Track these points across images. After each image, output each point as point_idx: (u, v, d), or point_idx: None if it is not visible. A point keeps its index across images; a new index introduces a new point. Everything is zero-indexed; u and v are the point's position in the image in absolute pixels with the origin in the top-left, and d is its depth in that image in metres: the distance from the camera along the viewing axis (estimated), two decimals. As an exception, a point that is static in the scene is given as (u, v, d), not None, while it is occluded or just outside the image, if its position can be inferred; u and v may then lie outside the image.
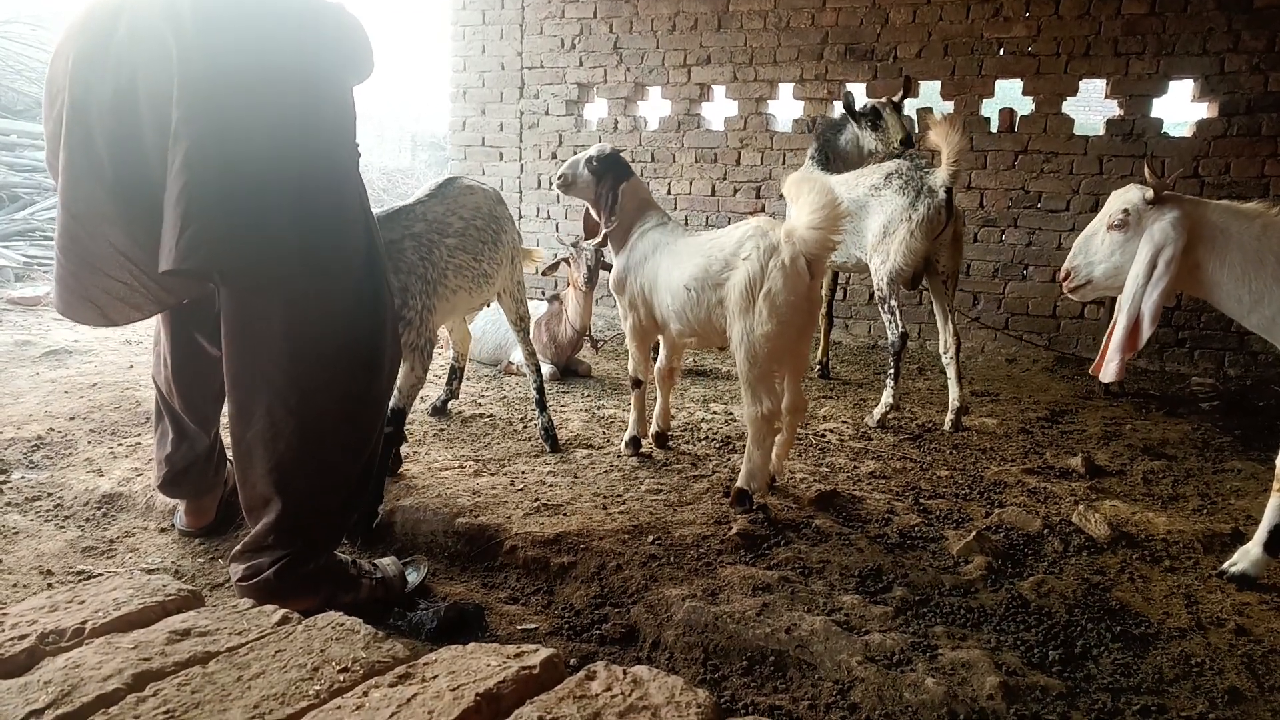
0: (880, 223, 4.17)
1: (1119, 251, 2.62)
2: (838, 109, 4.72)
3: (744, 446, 3.65)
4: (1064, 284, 2.81)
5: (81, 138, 2.03)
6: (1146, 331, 2.50)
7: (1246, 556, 2.56)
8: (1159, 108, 5.84)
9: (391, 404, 2.91)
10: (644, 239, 3.42)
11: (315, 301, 2.06)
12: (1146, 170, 2.58)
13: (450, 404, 4.23)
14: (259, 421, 2.08)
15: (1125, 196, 2.61)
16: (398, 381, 2.93)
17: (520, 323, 3.79)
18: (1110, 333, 2.64)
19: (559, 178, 3.61)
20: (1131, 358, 2.59)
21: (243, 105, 1.93)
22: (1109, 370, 2.58)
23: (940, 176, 4.04)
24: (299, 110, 2.00)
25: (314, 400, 2.08)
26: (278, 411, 2.05)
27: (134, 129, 1.99)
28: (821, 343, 5.32)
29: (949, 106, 6.30)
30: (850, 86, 6.54)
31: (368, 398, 2.22)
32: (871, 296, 6.60)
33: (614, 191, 3.46)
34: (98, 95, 1.99)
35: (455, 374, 4.21)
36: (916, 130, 5.32)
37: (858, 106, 4.86)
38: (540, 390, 3.76)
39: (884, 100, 4.81)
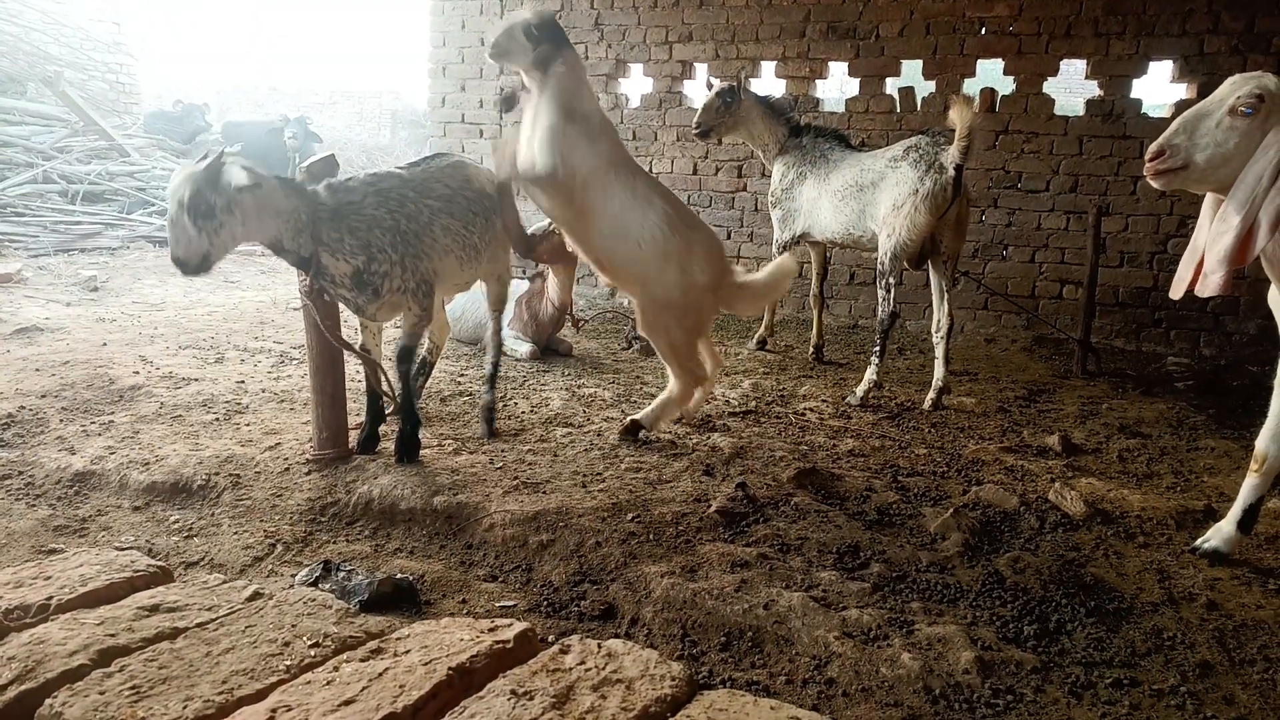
0: (891, 197, 4.14)
1: (1237, 140, 2.25)
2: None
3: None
4: (1150, 164, 2.37)
5: None
6: (1262, 240, 2.19)
7: (1219, 533, 2.58)
8: (1139, 88, 5.84)
9: (399, 342, 3.20)
10: None
11: None
12: None
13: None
14: None
15: (1260, 81, 2.25)
16: (403, 323, 3.20)
17: (498, 303, 3.73)
18: (1195, 247, 2.39)
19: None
20: (1237, 268, 2.27)
21: None
22: (1211, 284, 2.28)
23: (951, 153, 3.98)
24: None
25: None
26: None
27: None
28: (815, 327, 5.23)
29: (930, 86, 6.28)
30: (832, 65, 6.52)
31: None
32: (852, 277, 6.60)
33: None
34: None
35: (424, 367, 3.90)
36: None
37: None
38: (495, 368, 3.63)
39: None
